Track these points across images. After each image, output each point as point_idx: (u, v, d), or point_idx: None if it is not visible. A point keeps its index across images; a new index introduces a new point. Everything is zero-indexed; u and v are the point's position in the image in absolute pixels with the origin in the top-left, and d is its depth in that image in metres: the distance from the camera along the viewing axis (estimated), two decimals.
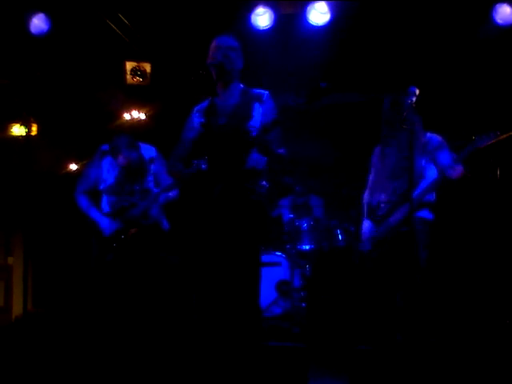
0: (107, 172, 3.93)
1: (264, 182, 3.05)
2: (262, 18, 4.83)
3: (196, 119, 3.13)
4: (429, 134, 3.54)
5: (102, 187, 3.94)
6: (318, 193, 5.87)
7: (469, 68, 5.05)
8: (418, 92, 3.02)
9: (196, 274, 3.04)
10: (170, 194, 3.90)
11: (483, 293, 4.89)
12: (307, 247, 5.21)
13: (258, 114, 3.02)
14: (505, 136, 3.23)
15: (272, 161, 3.01)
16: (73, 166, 6.00)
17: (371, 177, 3.76)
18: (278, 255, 5.31)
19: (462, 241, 5.23)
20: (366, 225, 3.65)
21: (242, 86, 3.13)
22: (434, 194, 3.52)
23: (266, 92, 3.09)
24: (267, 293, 5.05)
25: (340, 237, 5.23)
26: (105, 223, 3.86)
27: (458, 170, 3.30)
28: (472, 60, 4.99)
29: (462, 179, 3.34)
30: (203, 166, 2.90)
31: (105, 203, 3.94)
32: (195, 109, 3.18)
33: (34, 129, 5.67)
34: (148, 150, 3.99)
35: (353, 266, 4.99)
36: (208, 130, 3.03)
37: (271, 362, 3.34)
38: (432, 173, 3.47)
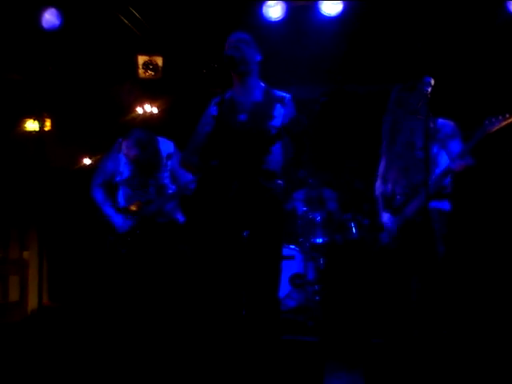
0: (124, 164, 3.92)
1: (280, 181, 3.01)
2: (274, 9, 4.79)
3: (214, 113, 3.08)
4: (441, 121, 3.44)
5: (118, 179, 3.93)
6: (331, 186, 5.84)
7: (481, 54, 4.97)
8: (433, 82, 2.97)
9: (214, 269, 3.02)
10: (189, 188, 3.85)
11: (500, 287, 4.83)
12: (321, 240, 5.18)
13: (280, 115, 2.98)
14: None
15: (292, 158, 2.96)
16: (86, 161, 6.03)
17: (382, 165, 3.69)
18: (291, 248, 5.29)
19: (481, 232, 5.16)
20: (386, 216, 3.58)
21: (263, 85, 3.09)
22: (451, 185, 3.46)
23: (289, 95, 3.06)
24: (281, 286, 5.01)
25: (354, 230, 5.20)
26: (118, 221, 3.84)
27: (458, 164, 3.20)
28: (483, 46, 4.92)
29: (465, 171, 3.26)
30: (213, 162, 2.89)
31: (121, 196, 3.93)
32: (213, 101, 3.13)
33: (48, 124, 5.71)
34: (166, 145, 3.97)
35: (367, 258, 4.96)
36: (227, 126, 2.98)
37: (287, 356, 3.33)
38: (444, 159, 3.40)
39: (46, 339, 4.07)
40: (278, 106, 3.01)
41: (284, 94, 3.07)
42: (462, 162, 3.21)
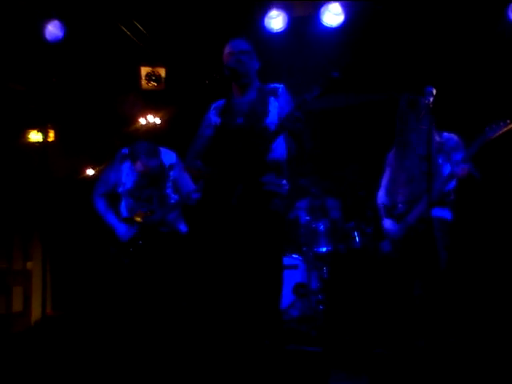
0: (126, 176, 3.94)
1: (284, 181, 3.01)
2: (276, 20, 4.81)
3: (213, 117, 3.11)
4: (446, 134, 3.49)
5: (120, 190, 3.95)
6: (334, 194, 5.83)
7: (481, 62, 4.98)
8: (435, 92, 2.99)
9: (214, 278, 3.02)
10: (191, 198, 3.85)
11: (505, 296, 4.80)
12: (324, 249, 5.18)
13: (274, 108, 2.97)
14: None
15: (294, 154, 2.95)
16: (89, 172, 6.05)
17: (386, 176, 3.71)
18: (294, 258, 5.28)
19: (484, 242, 5.14)
20: (388, 222, 3.59)
21: (257, 83, 3.10)
22: (453, 194, 3.48)
23: (281, 85, 3.04)
24: (284, 295, 4.99)
25: (357, 239, 5.18)
26: (121, 230, 3.86)
27: (462, 169, 3.25)
28: (484, 54, 4.93)
29: (468, 179, 3.27)
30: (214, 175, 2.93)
31: (123, 207, 3.95)
32: (212, 106, 3.16)
33: (51, 135, 5.72)
34: (168, 156, 3.99)
35: (370, 267, 4.95)
36: (226, 132, 3.00)
37: (290, 366, 3.32)
38: (448, 171, 3.43)
39: (50, 349, 4.06)
40: (272, 99, 3.00)
41: (276, 85, 3.05)
42: (465, 166, 3.23)
